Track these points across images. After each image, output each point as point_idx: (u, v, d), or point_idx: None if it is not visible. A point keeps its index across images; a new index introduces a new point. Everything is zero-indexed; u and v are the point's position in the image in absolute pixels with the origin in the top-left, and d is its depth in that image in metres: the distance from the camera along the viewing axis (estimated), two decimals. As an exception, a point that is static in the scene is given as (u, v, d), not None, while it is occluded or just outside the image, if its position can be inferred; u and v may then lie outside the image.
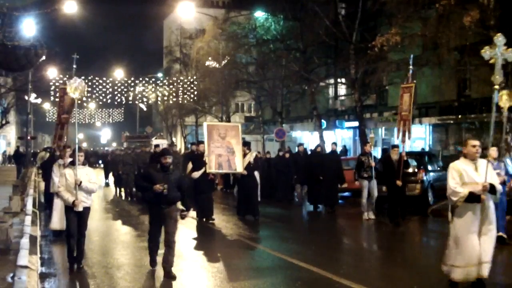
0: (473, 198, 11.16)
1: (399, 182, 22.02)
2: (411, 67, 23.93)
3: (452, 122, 43.08)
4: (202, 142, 23.73)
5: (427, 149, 43.63)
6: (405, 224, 21.94)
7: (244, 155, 23.66)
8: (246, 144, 24.55)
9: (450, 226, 11.59)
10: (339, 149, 41.29)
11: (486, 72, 31.58)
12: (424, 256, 17.21)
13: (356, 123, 46.76)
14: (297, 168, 30.81)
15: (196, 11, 55.26)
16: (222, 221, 23.35)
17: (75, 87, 15.36)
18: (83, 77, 15.75)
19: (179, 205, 13.74)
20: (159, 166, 13.49)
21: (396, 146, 22.95)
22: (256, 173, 25.17)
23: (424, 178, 26.61)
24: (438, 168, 30.27)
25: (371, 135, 28.37)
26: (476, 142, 11.71)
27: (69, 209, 14.08)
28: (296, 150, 33.99)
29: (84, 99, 44.12)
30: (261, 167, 28.95)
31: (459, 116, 41.47)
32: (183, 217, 13.66)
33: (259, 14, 51.61)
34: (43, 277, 13.16)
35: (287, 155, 32.56)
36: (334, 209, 26.52)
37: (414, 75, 24.71)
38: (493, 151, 16.80)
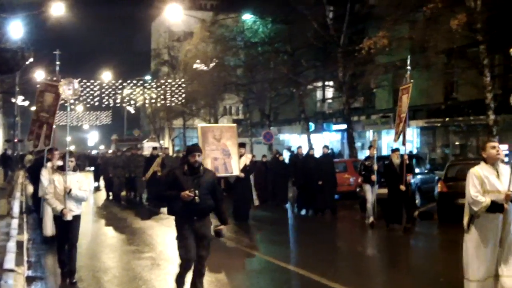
0: (495, 207, 10.10)
1: (402, 187, 21.25)
2: (408, 67, 23.44)
3: (439, 124, 43.18)
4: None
5: (414, 152, 43.69)
6: (392, 227, 21.89)
7: (240, 156, 22.94)
8: (241, 145, 23.83)
9: (466, 237, 10.45)
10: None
11: (473, 75, 31.84)
12: (413, 259, 17.28)
13: (344, 126, 46.88)
14: (295, 171, 30.00)
15: (184, 14, 55.10)
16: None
17: (68, 88, 14.67)
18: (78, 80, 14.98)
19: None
20: (187, 168, 11.00)
21: (397, 150, 22.27)
22: (250, 176, 24.93)
23: (412, 181, 26.47)
24: (426, 171, 30.36)
25: (374, 138, 26.90)
26: (495, 143, 10.63)
27: (58, 218, 13.18)
28: (296, 152, 33.23)
29: (72, 101, 43.83)
30: (256, 170, 28.34)
31: (447, 119, 41.57)
32: (219, 234, 11.37)
33: (247, 17, 51.63)
34: (29, 280, 13.12)
35: (280, 158, 32.44)
36: (326, 213, 26.40)
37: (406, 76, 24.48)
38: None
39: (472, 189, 10.30)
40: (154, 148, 33.48)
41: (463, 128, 41.84)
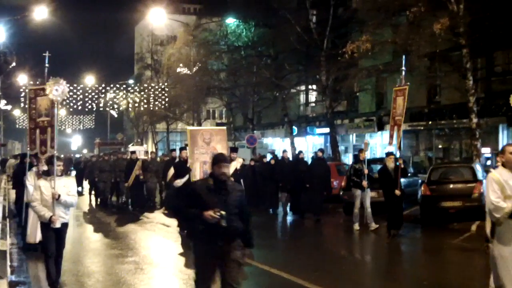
0: None
1: (398, 192, 20.58)
2: (403, 68, 23.08)
3: (422, 128, 43.29)
4: (185, 148, 22.58)
5: (398, 155, 43.78)
6: (377, 231, 21.90)
7: (231, 160, 22.04)
8: (233, 150, 23.21)
9: (493, 246, 9.79)
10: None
11: (456, 79, 31.95)
12: (396, 263, 17.32)
13: (327, 130, 46.89)
14: (282, 175, 29.58)
15: (167, 18, 55.14)
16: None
17: (56, 89, 14.26)
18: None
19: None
20: (212, 182, 9.17)
21: (392, 153, 21.78)
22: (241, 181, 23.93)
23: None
24: (409, 174, 30.44)
25: (366, 141, 25.61)
26: None
27: (46, 225, 12.63)
28: (281, 156, 32.76)
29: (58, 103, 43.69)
30: (245, 174, 27.69)
31: (430, 122, 41.66)
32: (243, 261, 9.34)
33: (231, 21, 51.61)
34: (13, 285, 13.05)
35: (272, 161, 31.70)
36: (320, 217, 25.90)
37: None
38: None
39: (493, 195, 9.61)
40: (133, 152, 33.14)
41: (446, 131, 41.96)
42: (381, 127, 47.03)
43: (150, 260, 16.26)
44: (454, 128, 40.03)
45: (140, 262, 15.94)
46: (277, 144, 62.57)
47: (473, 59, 30.76)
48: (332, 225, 25.70)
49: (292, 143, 48.19)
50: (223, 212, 8.69)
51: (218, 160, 9.34)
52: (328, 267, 16.07)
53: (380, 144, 49.64)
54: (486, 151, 33.98)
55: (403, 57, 24.05)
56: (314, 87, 52.01)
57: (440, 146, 43.86)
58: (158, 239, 20.77)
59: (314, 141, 57.95)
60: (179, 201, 10.14)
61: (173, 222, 24.99)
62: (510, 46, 34.69)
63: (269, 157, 33.57)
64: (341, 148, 49.80)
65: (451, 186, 23.72)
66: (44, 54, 18.07)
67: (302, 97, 59.26)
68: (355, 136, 52.95)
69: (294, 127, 51.11)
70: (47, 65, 17.79)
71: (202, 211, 8.75)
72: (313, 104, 58.59)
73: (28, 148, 17.95)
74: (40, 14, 35.68)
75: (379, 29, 33.36)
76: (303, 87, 55.37)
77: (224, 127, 24.04)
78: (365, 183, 22.20)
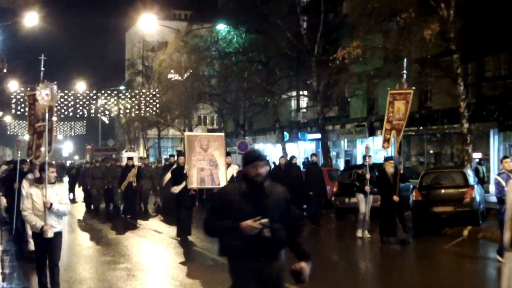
0: None
1: (396, 198, 20.00)
2: (404, 71, 22.36)
3: (413, 133, 43.38)
4: (183, 154, 22.19)
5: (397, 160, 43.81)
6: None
7: (227, 166, 21.91)
8: (227, 154, 22.90)
9: (508, 255, 9.37)
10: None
11: (447, 84, 32.05)
12: (387, 268, 17.32)
13: (318, 135, 46.93)
14: (278, 182, 28.72)
15: (158, 24, 55.09)
16: (197, 238, 21.37)
17: (46, 94, 13.64)
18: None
19: None
20: (246, 186, 7.22)
21: (391, 158, 21.11)
22: None
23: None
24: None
25: (367, 145, 24.54)
26: None
27: (38, 235, 12.10)
28: (277, 162, 31.47)
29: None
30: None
31: (421, 128, 41.75)
32: (298, 275, 7.22)
33: (221, 27, 51.65)
34: (4, 292, 13.02)
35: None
36: (320, 225, 25.42)
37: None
38: (506, 163, 15.72)
39: None
40: (129, 159, 31.78)
41: (438, 136, 42.07)
42: (372, 133, 47.14)
43: (142, 267, 16.23)
44: (445, 133, 40.14)
45: (132, 269, 15.90)
46: (269, 150, 62.60)
47: (463, 65, 30.84)
48: (327, 231, 25.52)
49: (284, 149, 48.26)
50: (265, 220, 6.82)
51: (253, 158, 7.29)
52: (324, 274, 16.06)
53: (371, 149, 49.64)
54: (476, 156, 34.05)
55: (404, 60, 23.52)
56: (305, 92, 52.10)
57: (431, 151, 43.98)
58: (150, 246, 20.72)
59: (305, 147, 58.03)
60: (208, 216, 7.32)
61: (165, 228, 25.01)
62: (500, 51, 34.86)
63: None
64: (333, 153, 49.90)
65: (443, 191, 23.67)
66: (39, 58, 17.56)
67: (293, 103, 59.39)
68: (347, 142, 53.10)
69: (285, 132, 51.20)
70: (42, 68, 17.32)
71: (238, 221, 6.88)
72: (304, 110, 58.73)
73: (27, 155, 17.59)
74: (31, 20, 35.68)
75: (369, 34, 33.41)
76: (294, 93, 55.47)
77: (222, 134, 24.47)
78: (367, 188, 21.56)
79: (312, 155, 27.81)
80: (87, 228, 26.78)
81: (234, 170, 22.80)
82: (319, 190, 26.02)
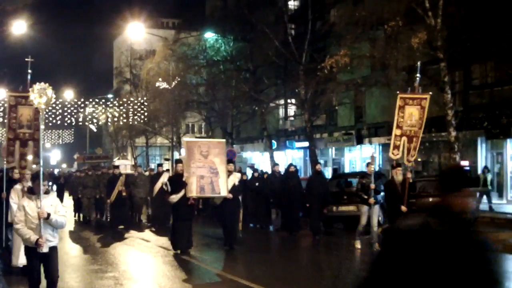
0: None
1: (404, 208, 18.43)
2: (418, 75, 20.74)
3: (401, 141, 43.44)
4: (180, 161, 20.93)
5: (377, 168, 43.90)
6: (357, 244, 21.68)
7: (229, 173, 20.68)
8: (229, 161, 21.63)
9: None
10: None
11: (434, 92, 32.11)
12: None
13: (306, 144, 47.00)
14: (272, 191, 27.81)
15: (145, 32, 55.19)
16: (199, 252, 20.45)
17: (40, 94, 12.72)
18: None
19: None
20: (443, 224, 4.61)
21: (399, 165, 19.90)
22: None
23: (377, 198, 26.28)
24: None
25: (372, 154, 22.82)
26: None
27: (31, 250, 11.26)
28: (271, 171, 31.01)
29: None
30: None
31: (408, 136, 41.80)
32: None
33: (209, 35, 51.78)
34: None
35: (265, 176, 30.24)
36: (319, 237, 23.86)
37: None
38: None
39: None
40: (115, 167, 31.23)
41: (425, 144, 42.12)
42: (360, 141, 47.27)
43: (129, 275, 16.19)
44: (432, 142, 40.16)
45: (120, 278, 15.84)
46: (256, 158, 62.64)
47: (450, 73, 30.98)
48: (327, 242, 24.54)
49: (272, 157, 48.26)
50: None
51: (459, 182, 4.82)
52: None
53: (359, 157, 49.83)
54: (465, 164, 34.11)
55: (418, 63, 21.79)
56: (293, 101, 52.25)
57: (419, 159, 44.01)
58: (138, 254, 20.66)
59: (293, 155, 58.09)
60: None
61: (152, 236, 24.94)
62: (487, 60, 34.99)
63: (249, 171, 32.75)
64: (321, 161, 49.94)
65: (430, 199, 23.68)
66: (26, 60, 17.05)
67: (281, 111, 59.44)
68: (334, 150, 53.18)
69: (273, 141, 51.21)
70: (29, 71, 16.66)
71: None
72: (292, 118, 58.83)
73: (5, 162, 16.56)
74: (18, 28, 35.66)
75: (357, 43, 33.56)
76: (282, 101, 55.53)
77: (223, 140, 23.14)
78: (372, 200, 20.15)
79: (317, 163, 26.24)
80: (75, 237, 26.65)
81: (236, 178, 21.24)
82: (324, 201, 24.51)
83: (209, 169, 19.77)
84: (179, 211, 19.89)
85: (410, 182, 19.51)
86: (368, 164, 21.50)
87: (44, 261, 11.29)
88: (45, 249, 11.09)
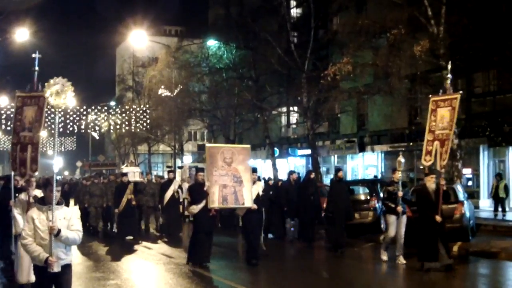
0: None
1: (438, 218, 17.39)
2: (449, 75, 20.10)
3: (403, 149, 43.37)
4: (201, 170, 19.55)
5: (379, 176, 43.88)
6: (359, 252, 21.58)
7: (253, 183, 19.41)
8: (253, 171, 20.21)
9: None
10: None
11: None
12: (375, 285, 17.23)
13: (308, 151, 46.99)
14: (288, 200, 26.21)
15: (148, 40, 55.25)
16: (218, 267, 19.23)
17: (57, 90, 10.85)
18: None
19: None
20: None
21: (432, 173, 18.51)
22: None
23: (377, 205, 26.23)
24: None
25: (400, 159, 20.30)
26: None
27: (41, 269, 9.75)
28: (287, 178, 29.66)
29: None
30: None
31: (411, 144, 41.81)
32: None
33: (212, 43, 51.81)
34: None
35: (279, 183, 28.88)
36: (344, 250, 21.76)
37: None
38: None
39: None
40: (124, 175, 29.65)
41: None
42: (362, 149, 47.27)
43: (132, 283, 16.18)
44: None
45: (122, 285, 15.85)
46: (259, 166, 62.64)
47: (453, 81, 30.97)
48: (350, 255, 23.35)
49: (274, 165, 48.28)
50: None
51: None
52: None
53: (361, 165, 49.85)
54: (466, 171, 34.10)
55: (449, 62, 21.45)
56: (296, 108, 52.34)
57: (421, 167, 43.98)
58: (140, 262, 20.64)
59: (295, 163, 58.07)
60: None
61: (154, 245, 24.90)
62: (489, 68, 35.00)
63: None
64: (323, 169, 49.99)
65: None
66: (34, 55, 15.59)
67: (283, 119, 59.49)
68: (337, 157, 53.14)
69: (275, 148, 51.22)
70: (36, 68, 15.27)
71: None
72: (295, 126, 58.82)
73: (12, 169, 14.85)
74: (21, 36, 35.73)
75: (359, 51, 33.59)
76: (284, 109, 55.62)
77: (248, 146, 21.36)
78: (399, 208, 19.13)
79: (337, 169, 23.75)
80: (79, 246, 26.51)
81: (259, 187, 20.05)
82: (346, 210, 22.41)
83: (233, 178, 18.52)
84: (200, 222, 18.81)
85: (444, 189, 18.53)
86: (393, 170, 20.43)
87: (56, 281, 9.89)
88: (56, 269, 9.70)
